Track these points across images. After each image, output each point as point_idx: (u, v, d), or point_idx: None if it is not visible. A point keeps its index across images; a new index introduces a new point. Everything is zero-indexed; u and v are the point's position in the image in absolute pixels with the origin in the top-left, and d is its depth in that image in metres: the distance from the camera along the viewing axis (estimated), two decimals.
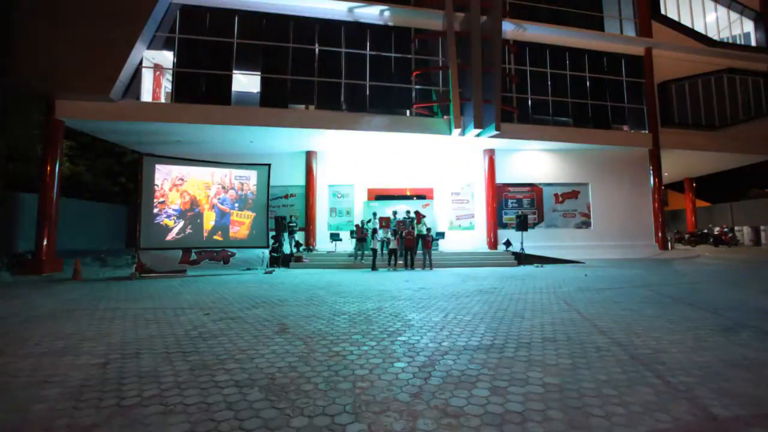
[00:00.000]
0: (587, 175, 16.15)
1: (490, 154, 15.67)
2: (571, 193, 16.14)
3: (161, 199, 10.26)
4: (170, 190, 10.41)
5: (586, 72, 15.97)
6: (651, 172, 16.17)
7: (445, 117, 13.74)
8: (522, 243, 13.21)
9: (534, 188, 16.04)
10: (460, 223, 15.75)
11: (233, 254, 11.01)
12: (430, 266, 12.20)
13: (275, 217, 13.10)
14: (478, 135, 13.53)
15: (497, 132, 12.85)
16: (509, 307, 5.82)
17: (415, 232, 12.60)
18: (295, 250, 13.72)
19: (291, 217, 14.50)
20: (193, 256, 10.40)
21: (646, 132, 16.25)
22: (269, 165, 12.02)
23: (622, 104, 16.24)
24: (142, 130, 12.24)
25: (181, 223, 10.50)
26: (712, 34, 18.39)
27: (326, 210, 15.74)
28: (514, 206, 15.94)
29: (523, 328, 4.51)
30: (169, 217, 10.35)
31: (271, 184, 15.68)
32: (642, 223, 16.07)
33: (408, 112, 13.94)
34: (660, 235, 15.92)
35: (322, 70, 13.23)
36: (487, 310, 5.62)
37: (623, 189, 16.16)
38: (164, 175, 10.40)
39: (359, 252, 12.62)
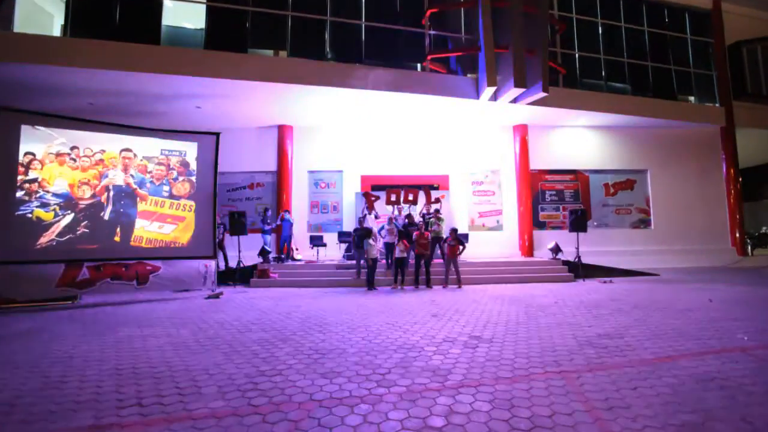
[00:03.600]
0: (645, 160, 12.97)
1: (522, 132, 12.35)
2: (626, 182, 12.93)
3: (33, 176, 6.47)
4: (52, 162, 6.65)
5: (645, 26, 12.80)
6: (723, 155, 13.10)
7: (470, 75, 10.33)
8: (578, 249, 9.86)
9: (578, 176, 12.77)
10: (484, 222, 12.35)
11: (156, 269, 7.29)
12: (459, 283, 8.75)
13: (229, 213, 9.46)
14: (515, 100, 10.18)
15: (544, 94, 9.51)
16: None
17: (430, 235, 9.13)
18: (260, 259, 10.08)
19: (266, 210, 10.83)
20: (85, 274, 6.64)
21: (717, 105, 13.18)
22: (217, 134, 8.36)
23: (687, 69, 13.12)
24: (25, 80, 8.41)
25: (69, 217, 6.71)
26: None
27: (306, 204, 12.13)
28: (553, 199, 12.63)
29: None
30: (44, 206, 6.55)
31: (233, 169, 12.17)
32: (714, 221, 12.98)
33: (419, 66, 10.47)
34: (737, 236, 12.84)
35: (298, 1, 9.64)
36: None
37: (690, 177, 13.04)
38: (44, 140, 6.65)
39: (361, 262, 8.99)
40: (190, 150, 7.95)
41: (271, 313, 5.98)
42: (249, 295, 7.85)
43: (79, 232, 6.68)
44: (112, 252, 6.93)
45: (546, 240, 12.03)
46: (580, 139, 12.80)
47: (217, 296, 7.54)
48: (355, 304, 6.68)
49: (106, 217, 6.99)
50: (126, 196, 7.21)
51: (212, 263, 8.06)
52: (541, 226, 12.44)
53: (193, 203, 7.82)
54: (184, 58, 8.45)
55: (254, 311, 6.19)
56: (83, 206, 6.72)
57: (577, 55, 11.89)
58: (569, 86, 11.47)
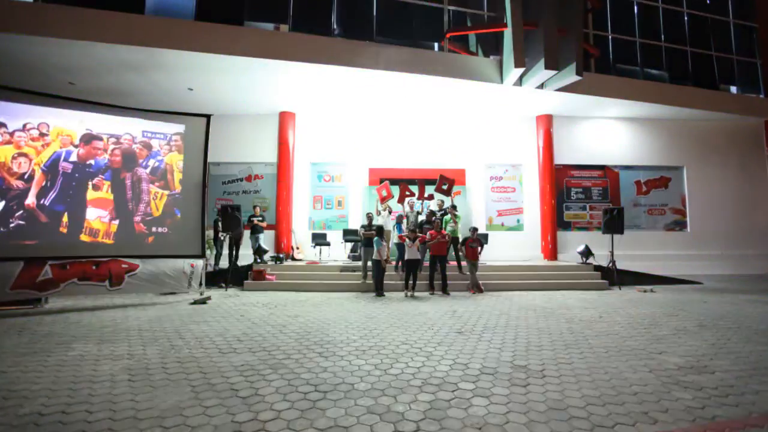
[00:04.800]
0: (681, 156, 11.90)
1: (547, 123, 11.34)
2: (659, 180, 11.88)
3: None
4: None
5: (684, 7, 11.72)
6: (767, 151, 12.00)
7: (493, 57, 9.34)
8: (612, 253, 8.86)
9: (607, 172, 11.74)
10: (503, 221, 11.36)
11: (134, 268, 6.38)
12: (479, 287, 7.81)
13: (222, 207, 8.56)
14: (543, 85, 9.19)
15: (577, 78, 8.50)
16: None
17: (447, 232, 8.19)
18: (256, 259, 9.18)
19: (256, 209, 9.89)
20: (47, 273, 5.73)
21: (761, 96, 12.09)
22: (208, 117, 7.44)
23: (730, 55, 12.02)
24: None
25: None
26: None
27: (308, 199, 11.21)
28: (579, 197, 11.61)
29: None
30: None
31: (229, 160, 11.34)
32: (756, 224, 11.89)
33: (435, 46, 9.49)
34: None
35: None
36: None
37: (730, 175, 11.96)
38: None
39: (368, 263, 8.07)
40: (175, 133, 7.03)
41: (263, 326, 5.06)
42: (241, 301, 6.94)
43: (13, 225, 5.64)
44: (75, 248, 5.97)
45: (571, 242, 11.06)
46: (609, 131, 11.75)
47: (204, 301, 6.63)
48: (364, 315, 5.75)
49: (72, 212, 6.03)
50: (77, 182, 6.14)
51: (200, 263, 7.15)
52: (565, 226, 11.43)
53: (164, 192, 6.84)
54: (172, 31, 7.53)
55: (243, 322, 5.27)
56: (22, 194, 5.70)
57: (610, 38, 10.85)
58: (601, 72, 10.43)
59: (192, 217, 7.08)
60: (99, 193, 6.15)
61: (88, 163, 6.02)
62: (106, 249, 6.20)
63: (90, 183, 6.13)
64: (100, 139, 6.18)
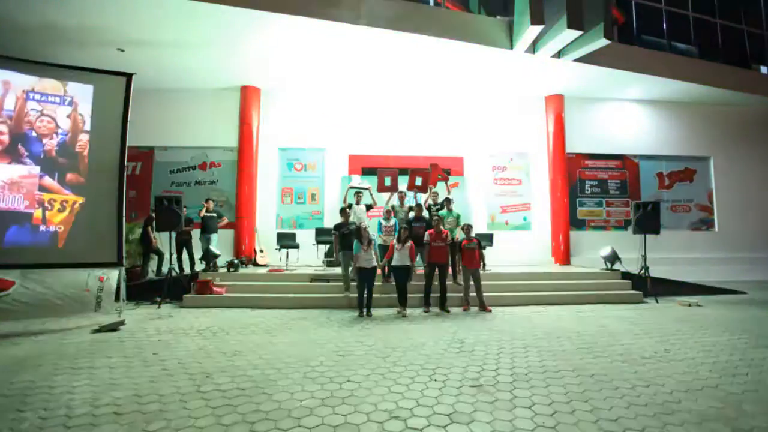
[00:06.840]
0: (708, 145, 10.58)
1: (557, 105, 9.89)
2: (684, 172, 10.53)
3: None
4: None
5: None
6: None
7: (501, 18, 7.78)
8: (645, 257, 7.41)
9: (626, 163, 10.32)
10: (508, 218, 9.81)
11: (6, 286, 4.54)
12: (483, 305, 6.21)
13: (156, 198, 6.74)
14: (560, 54, 7.69)
15: (605, 42, 7.01)
16: None
17: (450, 235, 6.50)
18: (200, 266, 7.42)
19: (209, 202, 8.04)
20: None
21: None
22: (129, 75, 5.60)
23: (761, 30, 10.77)
24: None
25: None
26: None
27: (275, 191, 9.46)
28: (594, 191, 10.16)
29: None
30: None
31: (179, 143, 9.55)
32: None
33: (430, 1, 7.87)
34: None
35: None
36: None
37: (763, 167, 10.69)
38: None
39: (349, 270, 6.41)
40: (78, 95, 5.21)
41: (176, 376, 3.34)
42: (170, 324, 5.18)
43: None
44: None
45: (585, 243, 9.65)
46: (628, 116, 10.34)
47: (113, 328, 4.84)
48: (335, 350, 4.07)
49: None
50: None
51: (113, 274, 5.34)
52: (579, 225, 9.97)
53: (75, 196, 5.05)
54: None
55: (150, 368, 3.54)
56: None
57: (633, 3, 9.42)
58: (624, 43, 8.99)
59: (103, 211, 5.27)
60: None
61: None
62: None
63: None
64: None
